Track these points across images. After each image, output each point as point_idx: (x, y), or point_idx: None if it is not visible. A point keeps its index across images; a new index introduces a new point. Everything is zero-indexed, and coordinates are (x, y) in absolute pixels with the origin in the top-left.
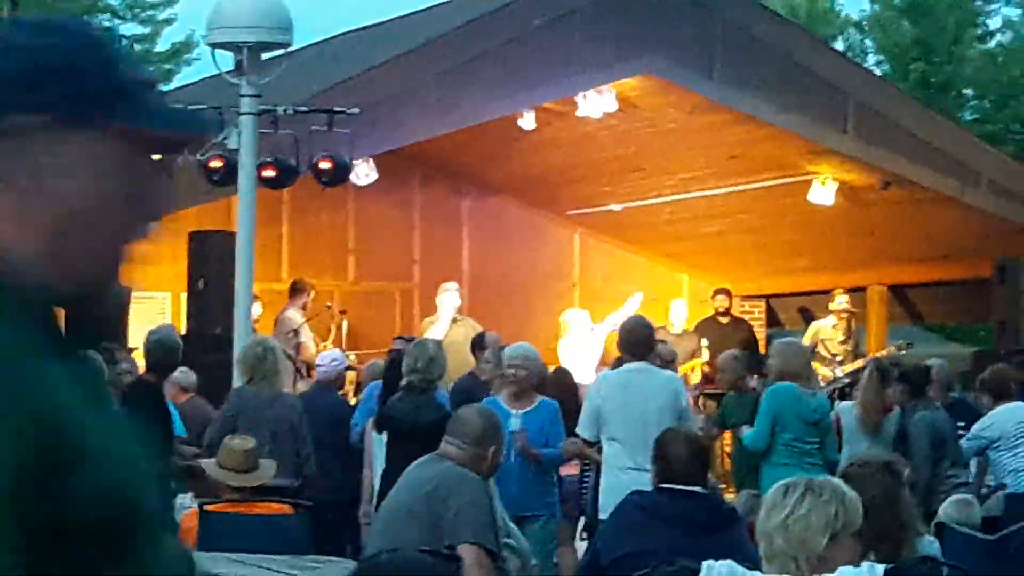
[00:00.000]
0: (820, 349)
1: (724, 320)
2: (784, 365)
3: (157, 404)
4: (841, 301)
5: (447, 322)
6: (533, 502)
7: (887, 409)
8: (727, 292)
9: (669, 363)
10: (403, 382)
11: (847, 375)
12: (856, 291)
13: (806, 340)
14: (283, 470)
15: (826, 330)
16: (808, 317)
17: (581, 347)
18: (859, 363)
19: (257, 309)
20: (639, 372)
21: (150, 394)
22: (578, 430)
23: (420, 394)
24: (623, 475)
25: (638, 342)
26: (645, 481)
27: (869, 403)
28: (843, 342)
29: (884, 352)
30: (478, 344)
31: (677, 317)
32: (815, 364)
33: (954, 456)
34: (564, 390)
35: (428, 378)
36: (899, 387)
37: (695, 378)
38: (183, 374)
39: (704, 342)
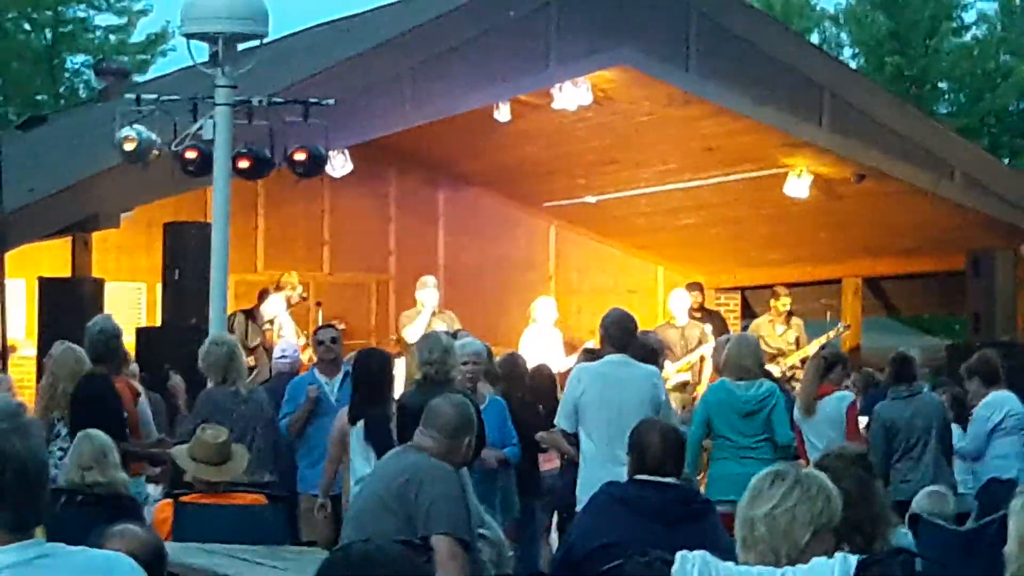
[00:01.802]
0: (761, 345)
1: (697, 315)
2: (726, 359)
3: (111, 396)
4: (784, 301)
5: (428, 315)
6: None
7: (823, 394)
8: (699, 287)
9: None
10: (418, 375)
11: (790, 367)
12: (831, 283)
13: None
14: (262, 466)
15: (763, 325)
16: (789, 312)
17: (542, 341)
18: (802, 353)
19: (278, 302)
20: (619, 364)
21: (104, 386)
22: (556, 421)
23: (439, 386)
24: (600, 470)
25: (620, 334)
26: (623, 475)
27: (804, 388)
28: (781, 335)
29: (827, 337)
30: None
31: (679, 307)
32: None
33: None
34: (515, 378)
35: (445, 369)
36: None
37: (707, 368)
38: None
39: (709, 328)
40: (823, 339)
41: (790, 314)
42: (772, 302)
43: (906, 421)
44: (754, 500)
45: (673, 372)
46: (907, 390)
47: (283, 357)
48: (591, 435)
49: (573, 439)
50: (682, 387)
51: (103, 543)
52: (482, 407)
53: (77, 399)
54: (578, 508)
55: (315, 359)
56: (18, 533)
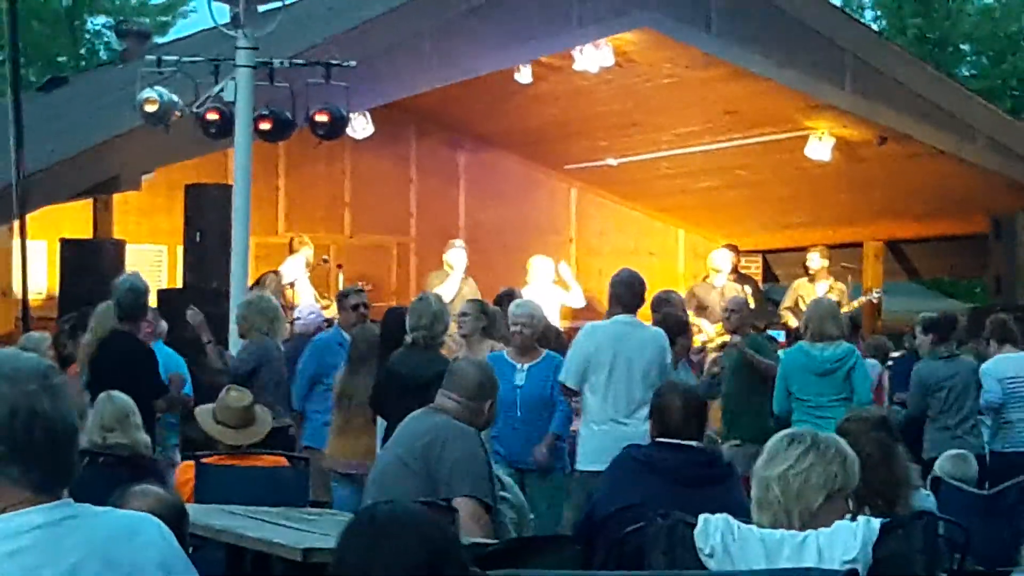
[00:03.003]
0: (800, 305)
1: (731, 278)
2: (807, 324)
3: (136, 351)
4: (815, 262)
5: (458, 278)
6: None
7: None
8: (734, 248)
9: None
10: (407, 339)
11: None
12: (852, 247)
13: (788, 299)
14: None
15: (804, 286)
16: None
17: (541, 298)
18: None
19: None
20: (629, 325)
21: (128, 342)
22: (561, 378)
23: (425, 350)
24: (604, 427)
25: (631, 295)
26: (626, 434)
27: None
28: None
29: (855, 303)
30: (507, 298)
31: (721, 267)
32: (788, 318)
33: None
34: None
35: (432, 334)
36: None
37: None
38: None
39: (748, 289)
40: (855, 304)
41: (827, 272)
42: (806, 262)
43: (948, 380)
44: (770, 461)
45: (714, 332)
46: (947, 351)
47: (299, 319)
48: (598, 393)
49: (576, 397)
50: (722, 347)
51: (124, 503)
52: (533, 363)
53: (102, 356)
54: (578, 467)
55: (339, 317)
56: (46, 494)
